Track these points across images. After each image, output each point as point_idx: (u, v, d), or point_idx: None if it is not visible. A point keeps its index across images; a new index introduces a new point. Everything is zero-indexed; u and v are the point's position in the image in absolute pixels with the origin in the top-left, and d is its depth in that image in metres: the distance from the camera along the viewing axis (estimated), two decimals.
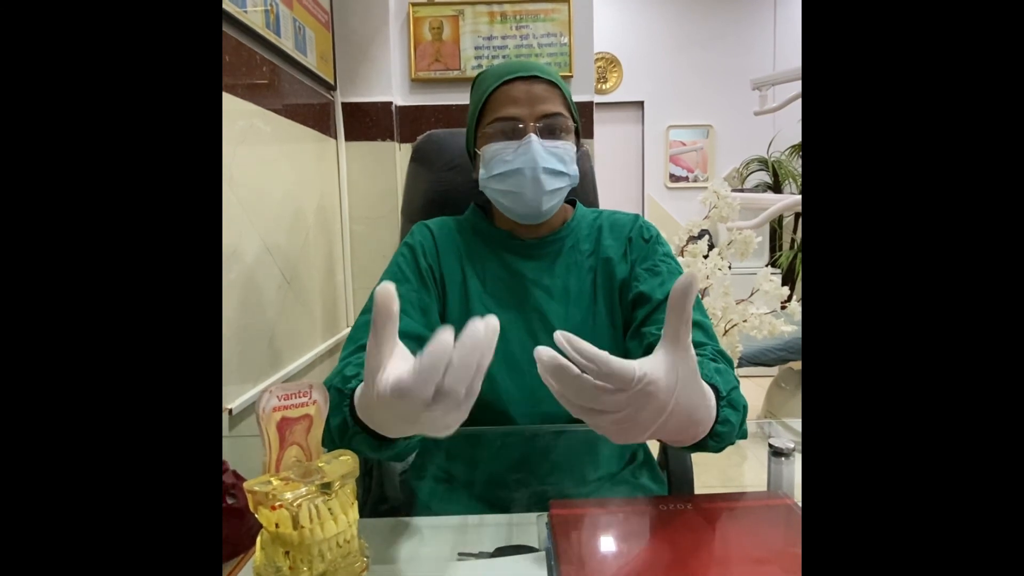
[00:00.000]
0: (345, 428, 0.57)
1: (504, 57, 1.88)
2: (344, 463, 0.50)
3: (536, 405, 0.78)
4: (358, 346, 0.71)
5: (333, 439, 0.60)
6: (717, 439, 0.58)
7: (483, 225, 0.86)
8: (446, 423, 0.43)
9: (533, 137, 0.76)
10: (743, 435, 0.63)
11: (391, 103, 1.84)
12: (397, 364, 0.44)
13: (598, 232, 0.86)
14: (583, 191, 1.03)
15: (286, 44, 1.38)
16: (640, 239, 0.84)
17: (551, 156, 0.77)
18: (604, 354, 0.43)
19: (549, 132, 0.78)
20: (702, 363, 0.61)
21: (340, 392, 0.59)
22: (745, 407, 0.63)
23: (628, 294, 0.81)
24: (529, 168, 0.76)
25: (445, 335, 0.40)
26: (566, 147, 0.79)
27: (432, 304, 0.80)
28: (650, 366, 0.44)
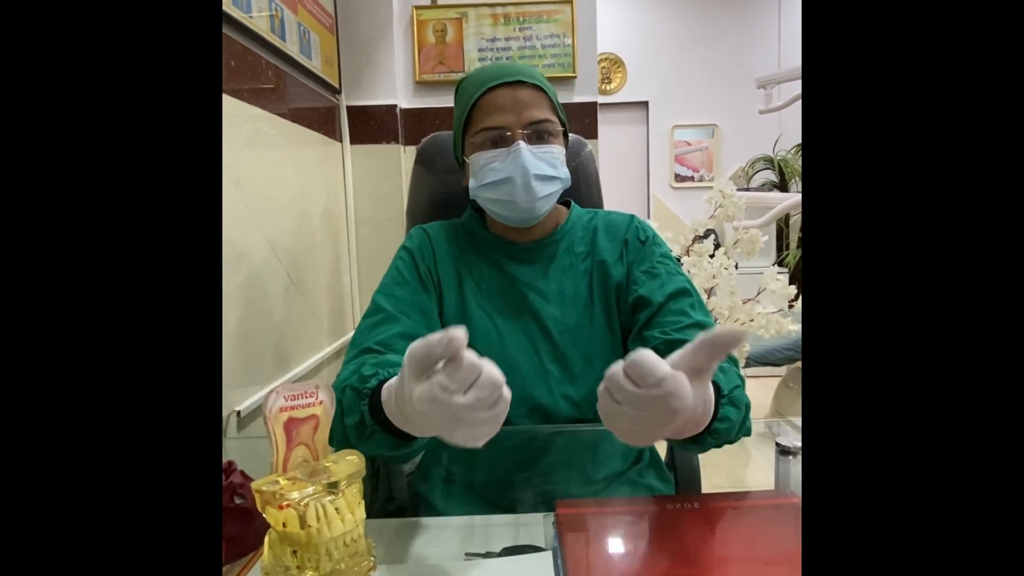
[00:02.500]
0: (363, 427, 0.58)
1: (508, 59, 1.88)
2: (351, 463, 0.50)
3: (533, 409, 0.78)
4: (361, 349, 0.71)
5: (347, 438, 0.60)
6: (716, 436, 0.58)
7: (477, 229, 0.86)
8: (482, 427, 0.47)
9: (522, 144, 0.76)
10: (746, 432, 0.62)
11: (396, 106, 1.84)
12: None
13: (593, 234, 0.85)
14: (588, 192, 1.03)
15: (291, 48, 1.39)
16: (636, 240, 0.83)
17: (540, 162, 0.76)
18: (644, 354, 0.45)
19: (537, 137, 0.77)
20: None
21: (357, 392, 0.59)
22: (747, 405, 0.63)
23: (626, 297, 0.80)
24: (520, 176, 0.75)
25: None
26: (555, 150, 0.78)
27: (432, 306, 0.80)
28: (679, 382, 0.45)
